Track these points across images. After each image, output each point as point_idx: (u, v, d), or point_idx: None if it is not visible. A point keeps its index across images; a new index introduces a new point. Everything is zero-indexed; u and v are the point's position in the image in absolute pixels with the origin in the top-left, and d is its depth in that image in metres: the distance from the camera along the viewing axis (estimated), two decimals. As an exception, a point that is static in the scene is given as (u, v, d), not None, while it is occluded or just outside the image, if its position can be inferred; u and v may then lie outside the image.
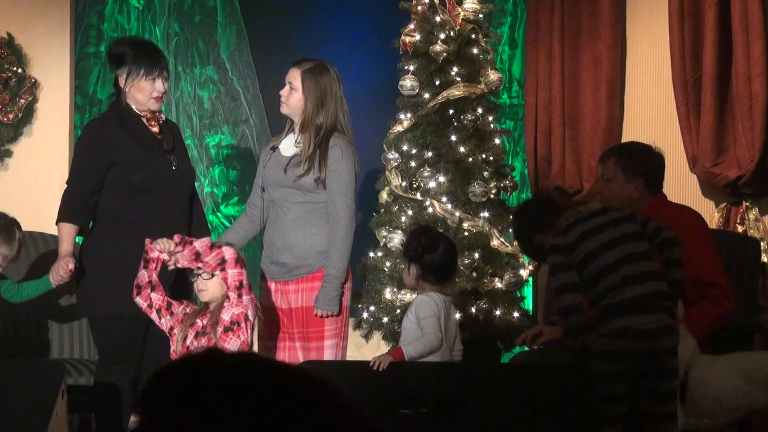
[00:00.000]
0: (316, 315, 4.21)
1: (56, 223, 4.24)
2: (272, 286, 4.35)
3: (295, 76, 4.37)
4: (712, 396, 3.73)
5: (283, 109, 4.38)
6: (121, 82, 4.29)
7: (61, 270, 4.11)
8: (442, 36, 5.39)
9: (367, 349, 6.06)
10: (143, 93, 4.27)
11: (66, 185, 4.34)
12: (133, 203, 4.22)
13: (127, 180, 4.21)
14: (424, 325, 3.98)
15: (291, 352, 4.29)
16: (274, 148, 4.39)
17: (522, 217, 4.06)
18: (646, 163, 4.20)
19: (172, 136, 4.40)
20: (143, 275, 4.00)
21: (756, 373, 3.72)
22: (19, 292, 4.33)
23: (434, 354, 3.97)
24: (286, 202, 4.30)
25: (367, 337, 5.48)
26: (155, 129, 4.33)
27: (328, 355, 4.20)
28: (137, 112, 4.32)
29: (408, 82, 5.41)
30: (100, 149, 4.25)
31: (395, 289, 5.30)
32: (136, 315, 4.16)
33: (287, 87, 4.37)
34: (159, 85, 4.27)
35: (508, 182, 5.47)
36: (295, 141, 4.35)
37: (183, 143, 4.54)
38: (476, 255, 5.25)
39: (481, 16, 5.50)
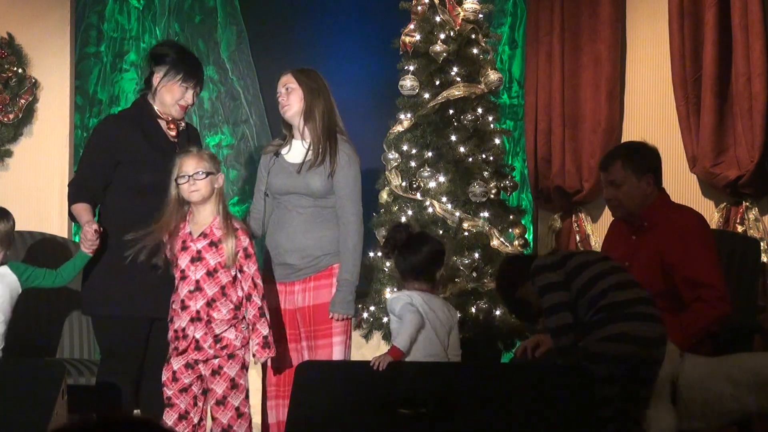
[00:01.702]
0: (332, 318, 4.28)
1: (69, 209, 4.27)
2: (277, 288, 4.37)
3: (288, 78, 4.43)
4: (702, 400, 3.74)
5: (288, 112, 4.38)
6: (155, 80, 4.33)
7: (88, 234, 4.10)
8: (442, 36, 5.39)
9: (367, 349, 6.06)
10: (172, 96, 4.30)
11: (75, 172, 4.39)
12: (139, 204, 4.22)
13: (134, 180, 4.23)
14: (401, 315, 4.00)
15: (298, 353, 4.34)
16: (277, 154, 4.41)
17: (500, 283, 4.09)
18: (651, 158, 4.22)
19: (189, 142, 4.41)
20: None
21: (743, 377, 3.71)
22: (58, 276, 4.23)
23: (432, 355, 3.98)
24: (295, 206, 4.34)
25: (367, 337, 5.48)
26: (173, 132, 4.35)
27: (336, 352, 4.27)
28: (158, 112, 4.34)
29: (408, 82, 5.41)
30: (109, 146, 4.27)
31: (395, 289, 5.30)
32: (138, 315, 4.17)
33: (284, 91, 4.39)
34: (189, 95, 4.33)
35: (508, 182, 5.47)
36: (303, 143, 4.38)
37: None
38: (476, 255, 5.25)
39: (481, 16, 5.50)
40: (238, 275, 4.04)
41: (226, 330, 4.01)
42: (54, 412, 3.40)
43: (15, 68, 6.24)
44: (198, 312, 4.00)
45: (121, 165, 4.24)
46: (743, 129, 5.10)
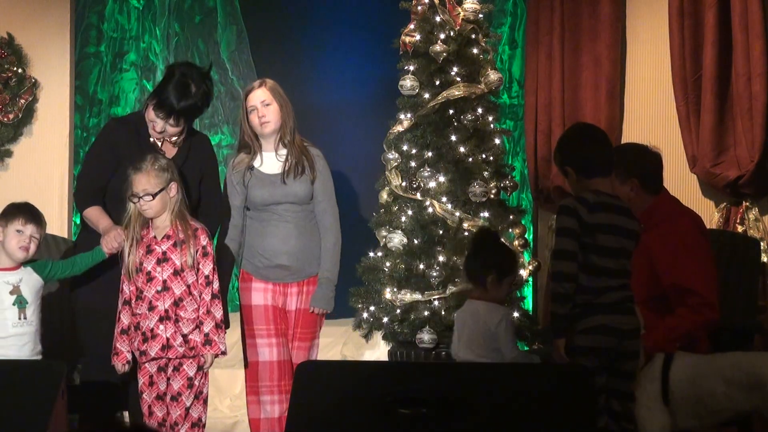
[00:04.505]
0: (314, 313, 4.51)
1: (81, 214, 4.30)
2: (269, 287, 4.49)
3: (263, 93, 4.54)
4: (695, 398, 3.75)
5: (268, 128, 4.50)
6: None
7: (117, 239, 4.13)
8: (442, 36, 5.39)
9: (367, 348, 6.06)
10: (148, 116, 4.30)
11: (76, 180, 4.41)
12: (121, 213, 4.23)
13: (120, 190, 4.23)
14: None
15: (284, 349, 4.47)
16: (251, 168, 4.51)
17: (574, 136, 3.90)
18: (638, 163, 4.18)
19: (187, 156, 4.38)
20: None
21: (736, 376, 3.72)
22: (75, 266, 4.24)
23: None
24: (283, 214, 4.49)
25: (367, 337, 5.48)
26: (168, 149, 4.34)
27: (313, 353, 4.53)
28: None
29: (408, 82, 5.41)
30: (113, 148, 4.29)
31: (395, 289, 5.30)
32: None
33: (260, 106, 4.49)
34: (159, 124, 4.27)
35: (508, 182, 5.47)
36: (277, 155, 4.52)
37: (204, 168, 4.46)
38: (476, 255, 5.25)
39: (481, 16, 5.50)
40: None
41: (192, 330, 4.07)
42: (54, 412, 3.39)
43: (15, 68, 6.24)
44: (167, 311, 4.06)
45: (116, 171, 4.26)
46: (743, 129, 5.10)
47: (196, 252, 4.09)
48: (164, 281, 4.06)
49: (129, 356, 4.08)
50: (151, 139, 4.32)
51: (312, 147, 4.57)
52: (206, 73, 4.36)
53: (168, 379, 4.09)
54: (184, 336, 4.06)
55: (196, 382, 4.10)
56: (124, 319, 4.09)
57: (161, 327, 4.04)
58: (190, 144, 4.41)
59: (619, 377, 3.69)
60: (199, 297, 4.09)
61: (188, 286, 4.08)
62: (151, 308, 4.05)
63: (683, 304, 3.99)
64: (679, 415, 3.79)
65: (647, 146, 4.27)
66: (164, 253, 4.08)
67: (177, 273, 4.07)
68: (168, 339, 4.04)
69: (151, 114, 4.27)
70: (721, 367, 3.76)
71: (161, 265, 4.08)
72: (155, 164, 4.10)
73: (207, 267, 4.11)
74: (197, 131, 4.60)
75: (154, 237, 4.12)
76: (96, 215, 4.24)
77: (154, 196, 4.07)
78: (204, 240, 4.14)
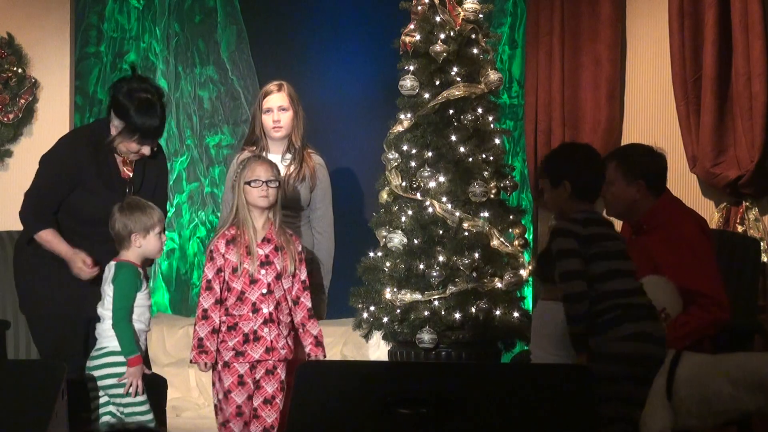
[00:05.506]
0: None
1: (30, 234, 4.18)
2: None
3: (282, 99, 4.58)
4: (699, 398, 3.74)
5: (279, 133, 4.57)
6: (113, 129, 4.18)
7: (84, 272, 4.09)
8: (442, 36, 5.39)
9: (367, 349, 6.06)
10: (128, 149, 4.18)
11: (25, 198, 4.24)
12: (75, 230, 4.19)
13: (77, 208, 4.18)
14: None
15: None
16: None
17: (586, 157, 3.85)
18: (646, 165, 4.18)
19: (143, 175, 4.29)
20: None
21: (742, 376, 3.72)
22: None
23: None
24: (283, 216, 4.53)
25: (367, 337, 5.48)
26: (129, 172, 4.25)
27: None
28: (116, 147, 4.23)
29: (408, 82, 5.41)
30: (73, 172, 4.20)
31: (395, 289, 5.30)
32: (76, 314, 4.16)
33: (276, 111, 4.55)
34: (146, 149, 4.18)
35: (508, 182, 5.47)
36: (283, 159, 4.58)
37: (158, 179, 4.36)
38: (476, 255, 5.25)
39: (481, 16, 5.50)
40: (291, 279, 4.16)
41: (288, 333, 4.13)
42: (54, 412, 3.40)
43: (15, 68, 6.25)
44: (271, 314, 4.08)
45: (73, 191, 4.20)
46: (743, 129, 5.10)
47: (295, 257, 4.13)
48: (269, 284, 4.08)
49: (215, 355, 4.09)
50: (118, 157, 4.22)
51: (315, 155, 4.63)
52: (139, 75, 4.26)
53: (258, 381, 4.08)
54: (285, 339, 4.10)
55: (285, 387, 4.12)
56: (216, 318, 4.08)
57: (266, 329, 4.06)
58: (147, 159, 4.30)
59: (638, 383, 3.65)
60: (296, 301, 4.14)
61: (284, 291, 4.12)
62: (256, 311, 4.06)
63: (694, 302, 3.98)
64: (680, 414, 3.79)
65: (653, 147, 4.27)
66: (267, 256, 4.09)
67: (278, 277, 4.10)
68: (272, 341, 4.07)
69: (133, 146, 4.15)
70: (728, 368, 3.76)
71: (265, 267, 4.09)
72: (271, 161, 4.22)
73: (304, 272, 4.17)
74: None
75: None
76: (54, 240, 4.15)
77: (278, 184, 4.12)
78: (299, 245, 4.19)
